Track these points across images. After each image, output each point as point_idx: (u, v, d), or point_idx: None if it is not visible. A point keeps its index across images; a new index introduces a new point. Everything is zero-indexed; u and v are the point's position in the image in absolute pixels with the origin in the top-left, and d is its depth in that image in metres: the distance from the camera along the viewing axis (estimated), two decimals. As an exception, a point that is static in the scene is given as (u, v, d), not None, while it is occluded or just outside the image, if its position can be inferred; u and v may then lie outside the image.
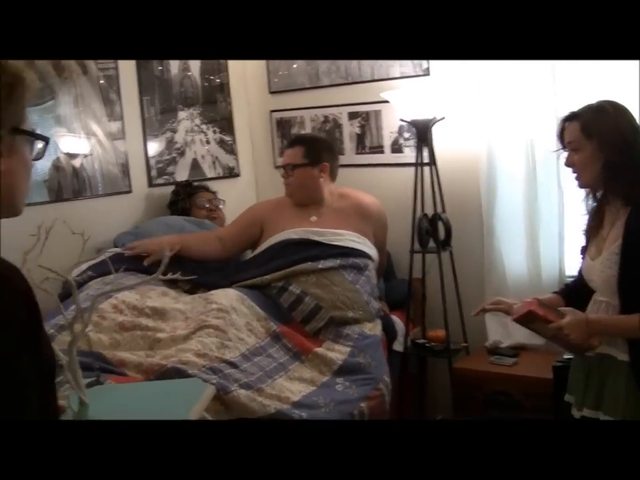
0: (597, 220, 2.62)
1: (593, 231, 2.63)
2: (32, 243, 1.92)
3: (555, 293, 2.95)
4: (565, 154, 2.64)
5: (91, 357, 2.78)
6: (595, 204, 2.64)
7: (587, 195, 2.67)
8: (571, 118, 2.56)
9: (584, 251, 2.70)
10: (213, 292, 3.46)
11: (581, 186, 2.63)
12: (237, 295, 3.38)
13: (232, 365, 2.97)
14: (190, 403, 1.92)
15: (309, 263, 3.60)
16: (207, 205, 4.39)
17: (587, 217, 2.68)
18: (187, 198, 4.41)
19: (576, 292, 2.78)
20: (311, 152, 3.90)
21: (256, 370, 3.03)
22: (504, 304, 2.92)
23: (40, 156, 1.52)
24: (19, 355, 1.25)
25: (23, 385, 1.25)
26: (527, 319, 2.61)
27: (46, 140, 1.51)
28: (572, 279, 3.03)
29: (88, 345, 2.92)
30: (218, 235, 3.92)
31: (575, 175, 2.60)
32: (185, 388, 2.09)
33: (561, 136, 2.61)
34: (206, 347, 2.99)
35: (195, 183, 4.54)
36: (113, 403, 1.98)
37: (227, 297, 3.35)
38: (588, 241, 2.67)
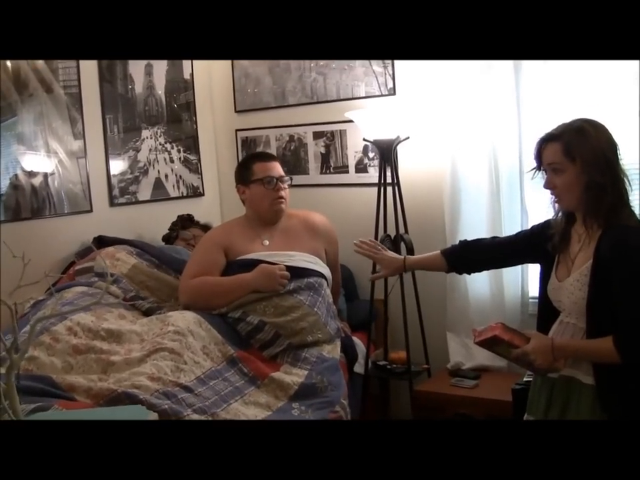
0: (564, 240, 2.59)
1: (560, 245, 2.60)
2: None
3: (440, 251, 3.12)
4: (531, 173, 2.61)
5: (40, 382, 2.73)
6: (564, 222, 2.60)
7: (557, 214, 2.62)
8: (551, 139, 2.49)
9: (545, 271, 2.68)
10: (170, 314, 3.41)
11: (564, 208, 2.56)
12: (195, 318, 3.33)
13: (186, 389, 2.93)
14: (131, 431, 1.88)
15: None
16: (190, 239, 4.40)
17: (554, 231, 2.62)
18: (179, 229, 4.47)
19: (461, 253, 3.02)
20: None
21: (211, 394, 2.99)
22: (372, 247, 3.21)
23: None
24: None
25: None
26: (491, 343, 2.57)
27: None
28: (461, 245, 3.10)
29: (38, 368, 2.89)
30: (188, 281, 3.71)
31: (555, 197, 2.54)
32: (127, 415, 2.05)
33: (539, 156, 2.54)
34: (160, 371, 2.95)
35: (198, 220, 4.59)
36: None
37: (184, 319, 3.30)
38: (555, 253, 2.63)
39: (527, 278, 4.03)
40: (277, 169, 3.78)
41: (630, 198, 2.49)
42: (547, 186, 2.53)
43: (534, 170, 2.60)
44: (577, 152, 2.42)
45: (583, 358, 2.46)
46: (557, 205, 2.58)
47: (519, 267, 3.99)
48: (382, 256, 3.22)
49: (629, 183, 2.47)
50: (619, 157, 2.47)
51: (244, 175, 3.80)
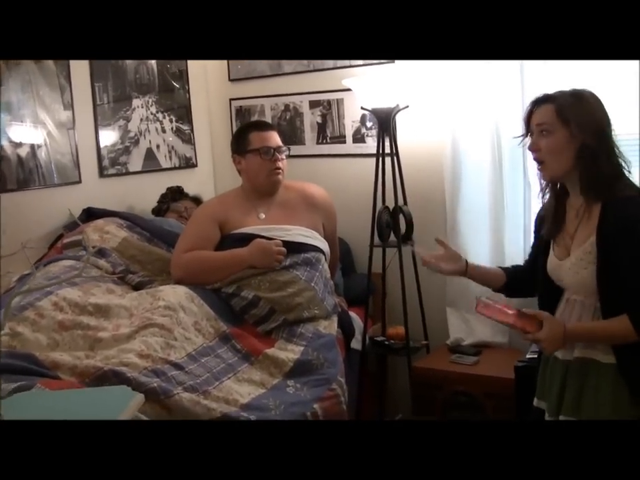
0: (558, 216, 2.49)
1: (555, 228, 2.50)
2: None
3: (500, 268, 2.86)
4: (518, 139, 2.52)
5: (22, 359, 2.62)
6: (554, 199, 2.50)
7: (545, 188, 2.53)
8: (544, 100, 2.39)
9: (544, 248, 2.58)
10: (161, 288, 3.30)
11: (547, 177, 2.46)
12: (187, 293, 3.22)
13: (177, 366, 2.82)
14: (115, 412, 1.78)
15: None
16: (182, 211, 4.29)
17: (546, 213, 2.55)
18: (170, 202, 4.35)
19: (521, 277, 2.75)
20: None
21: (202, 371, 2.89)
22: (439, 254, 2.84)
23: None
24: None
25: None
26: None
27: None
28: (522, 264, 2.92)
29: (22, 345, 2.78)
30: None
31: (540, 164, 2.43)
32: (112, 396, 1.95)
33: (528, 119, 2.44)
34: (150, 347, 2.84)
35: (188, 192, 4.47)
36: (32, 412, 1.83)
37: (176, 294, 3.19)
38: (549, 238, 2.54)
39: (529, 250, 3.92)
40: (275, 138, 3.64)
41: (631, 172, 2.38)
42: (531, 147, 2.43)
43: (522, 136, 2.49)
44: (571, 114, 2.32)
45: (597, 341, 2.35)
46: (540, 172, 2.47)
47: (521, 238, 3.90)
48: (447, 255, 2.84)
49: (625, 161, 2.37)
50: (614, 132, 2.36)
51: (240, 144, 3.66)
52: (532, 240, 3.83)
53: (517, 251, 3.89)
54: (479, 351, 3.84)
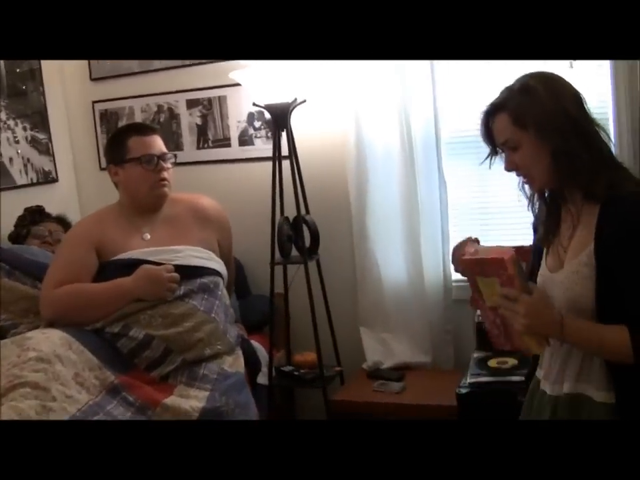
0: (552, 222, 2.10)
1: (548, 234, 2.11)
2: None
3: None
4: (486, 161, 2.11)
5: None
6: (545, 202, 2.13)
7: (532, 197, 2.15)
8: (495, 109, 2.02)
9: (538, 260, 2.18)
10: (29, 334, 2.73)
11: (537, 189, 2.09)
12: (62, 338, 2.67)
13: (59, 434, 2.27)
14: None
15: None
16: (46, 236, 3.66)
17: (538, 219, 2.17)
18: (30, 225, 3.73)
19: None
20: None
21: (91, 437, 2.34)
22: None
23: None
24: None
25: None
26: (483, 265, 1.97)
27: None
28: None
29: None
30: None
31: (524, 178, 2.06)
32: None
33: (489, 135, 2.07)
34: (22, 414, 2.31)
35: (51, 212, 3.83)
36: None
37: (49, 340, 2.63)
38: (542, 248, 2.16)
39: (448, 259, 3.55)
40: (158, 144, 3.10)
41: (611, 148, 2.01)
42: (507, 167, 2.05)
43: (489, 156, 2.10)
44: (528, 118, 1.94)
45: (589, 342, 1.92)
46: (528, 184, 2.09)
47: (440, 247, 3.55)
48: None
49: (608, 136, 2.00)
50: (586, 108, 1.98)
51: (116, 152, 3.09)
52: (450, 248, 3.51)
53: (435, 258, 3.58)
54: (402, 374, 3.46)
